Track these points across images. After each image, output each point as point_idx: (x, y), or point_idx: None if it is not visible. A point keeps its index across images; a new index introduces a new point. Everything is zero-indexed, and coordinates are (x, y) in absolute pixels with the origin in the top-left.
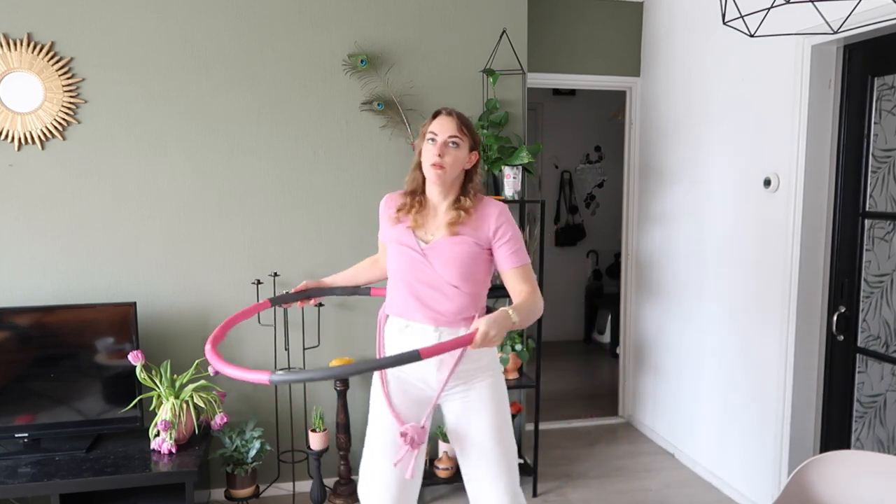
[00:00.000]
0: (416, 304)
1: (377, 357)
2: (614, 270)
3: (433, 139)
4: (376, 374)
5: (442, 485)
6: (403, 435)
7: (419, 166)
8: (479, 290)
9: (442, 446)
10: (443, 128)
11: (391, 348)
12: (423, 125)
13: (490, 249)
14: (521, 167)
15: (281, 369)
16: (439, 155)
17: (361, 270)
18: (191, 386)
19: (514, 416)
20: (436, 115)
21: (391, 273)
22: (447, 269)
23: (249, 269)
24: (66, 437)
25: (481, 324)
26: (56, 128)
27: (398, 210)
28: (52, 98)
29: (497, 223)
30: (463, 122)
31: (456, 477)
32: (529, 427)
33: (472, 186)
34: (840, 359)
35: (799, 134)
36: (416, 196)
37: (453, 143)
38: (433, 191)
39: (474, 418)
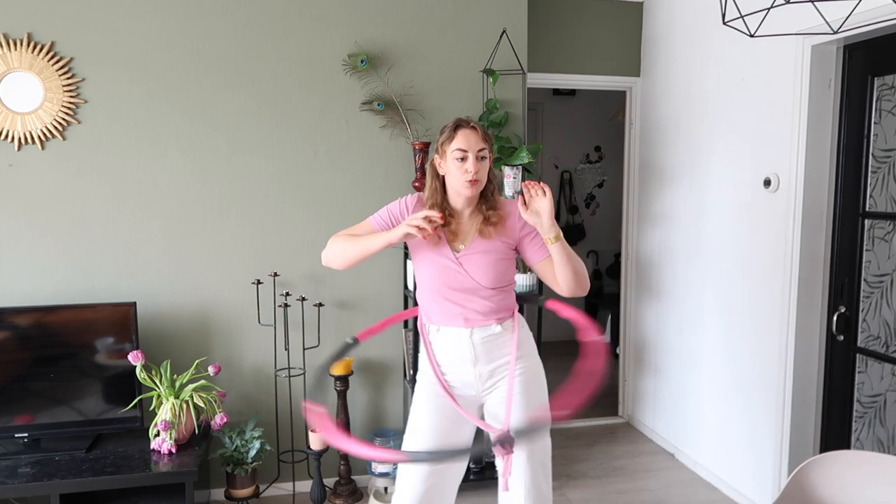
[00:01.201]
0: (452, 309)
1: (424, 358)
2: (614, 270)
3: (463, 157)
4: (422, 371)
5: None
6: (503, 445)
7: (441, 179)
8: (512, 286)
9: None
10: (470, 142)
11: (437, 350)
12: (442, 140)
13: (515, 247)
14: (521, 167)
15: (282, 369)
16: (476, 171)
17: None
18: (191, 386)
19: None
20: (456, 128)
21: (423, 284)
22: (483, 274)
23: (249, 269)
24: (66, 437)
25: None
26: (56, 128)
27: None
28: (52, 98)
29: (521, 220)
30: (485, 131)
31: None
32: None
33: (493, 187)
34: (840, 359)
35: (799, 134)
36: (443, 206)
37: (483, 156)
38: (458, 200)
39: (511, 409)
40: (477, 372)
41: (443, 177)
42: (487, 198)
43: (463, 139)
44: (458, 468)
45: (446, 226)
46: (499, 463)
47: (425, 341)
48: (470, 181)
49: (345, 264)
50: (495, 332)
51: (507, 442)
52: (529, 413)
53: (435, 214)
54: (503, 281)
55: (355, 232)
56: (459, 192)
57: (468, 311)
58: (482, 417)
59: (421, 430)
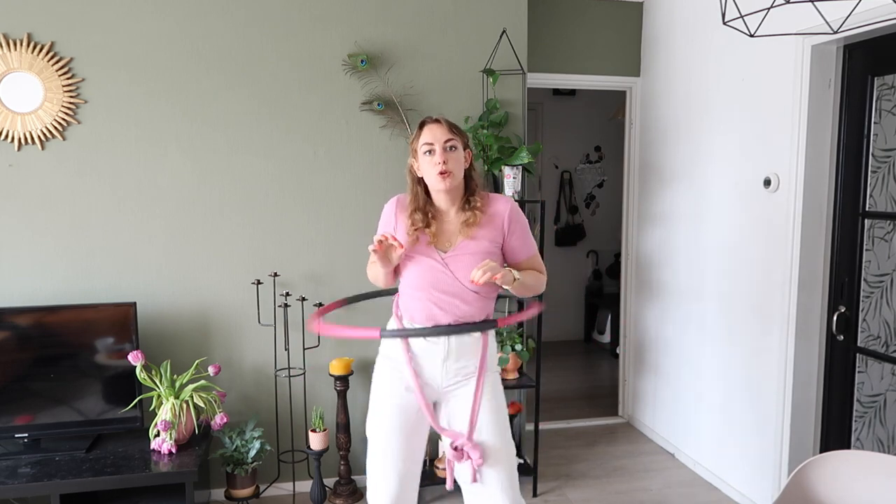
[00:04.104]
0: (434, 310)
1: (397, 346)
2: (614, 270)
3: (430, 150)
4: (387, 357)
5: (441, 485)
6: (457, 450)
7: (419, 181)
8: (495, 291)
9: (441, 446)
10: (436, 135)
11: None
12: (411, 141)
13: (503, 245)
14: (521, 167)
15: (282, 369)
16: (444, 162)
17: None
18: (191, 386)
19: (514, 417)
20: (421, 125)
21: (407, 282)
22: (468, 276)
23: (249, 269)
24: (66, 437)
25: (490, 260)
26: (56, 128)
27: (414, 229)
28: (52, 98)
29: (509, 218)
30: (451, 125)
31: None
32: (529, 427)
33: (475, 185)
34: (840, 359)
35: (799, 134)
36: (425, 210)
37: (451, 146)
38: (440, 199)
39: (479, 415)
40: (445, 368)
41: (422, 178)
42: (472, 193)
43: (428, 133)
44: (420, 459)
45: (429, 227)
46: (458, 468)
47: (401, 325)
48: (440, 173)
49: (387, 285)
50: (473, 336)
51: (463, 446)
52: (497, 426)
53: (381, 238)
54: (487, 284)
55: (372, 258)
56: (434, 187)
57: (449, 315)
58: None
59: (384, 428)
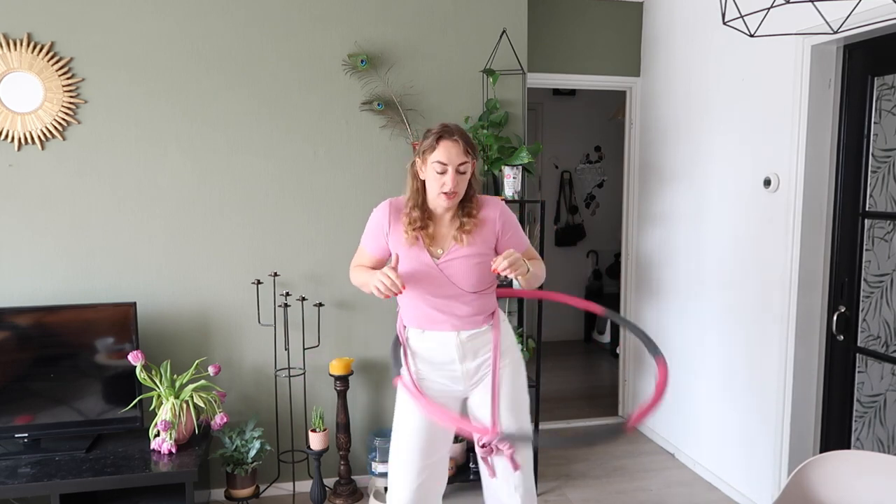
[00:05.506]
0: (435, 315)
1: (398, 363)
2: (614, 270)
3: (443, 170)
4: (404, 371)
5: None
6: (485, 447)
7: (421, 182)
8: (493, 287)
9: None
10: (451, 156)
11: (417, 351)
12: (423, 147)
13: (496, 247)
14: (521, 167)
15: (282, 369)
16: (453, 184)
17: None
18: (191, 386)
19: None
20: (438, 139)
21: (406, 291)
22: (464, 279)
23: (249, 269)
24: (66, 437)
25: (513, 251)
26: (56, 128)
27: (412, 228)
28: (52, 98)
29: (501, 221)
30: (467, 143)
31: (457, 477)
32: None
33: (473, 192)
34: (840, 359)
35: (799, 134)
36: (422, 211)
37: (462, 170)
38: (438, 205)
39: (497, 406)
40: (464, 368)
41: (423, 179)
42: (466, 203)
43: (444, 152)
44: (444, 464)
45: (424, 229)
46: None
47: (403, 347)
48: (446, 194)
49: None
50: (481, 331)
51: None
52: (514, 412)
53: (396, 282)
54: (485, 283)
55: (358, 261)
56: (435, 202)
57: (452, 317)
58: (464, 412)
59: (408, 434)
